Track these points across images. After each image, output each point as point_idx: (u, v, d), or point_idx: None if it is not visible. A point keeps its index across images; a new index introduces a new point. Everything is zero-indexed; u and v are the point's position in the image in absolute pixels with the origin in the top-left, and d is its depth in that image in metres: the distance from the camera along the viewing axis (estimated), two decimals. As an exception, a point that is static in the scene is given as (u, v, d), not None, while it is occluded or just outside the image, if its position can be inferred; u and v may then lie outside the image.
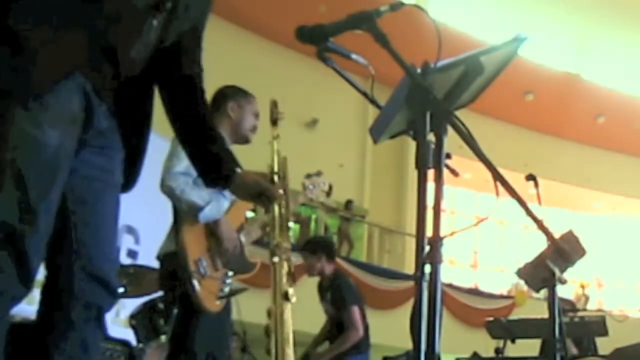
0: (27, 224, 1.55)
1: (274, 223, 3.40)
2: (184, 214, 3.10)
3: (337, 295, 5.20)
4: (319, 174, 3.69)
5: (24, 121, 1.56)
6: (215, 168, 2.01)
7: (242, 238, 3.28)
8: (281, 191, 3.20)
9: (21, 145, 1.56)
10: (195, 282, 3.00)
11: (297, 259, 3.89)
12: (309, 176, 3.66)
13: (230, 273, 3.18)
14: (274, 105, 3.29)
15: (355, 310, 5.17)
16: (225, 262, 3.15)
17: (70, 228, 1.72)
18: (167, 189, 3.06)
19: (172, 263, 3.07)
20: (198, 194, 3.04)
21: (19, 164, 1.55)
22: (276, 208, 3.32)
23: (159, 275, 3.26)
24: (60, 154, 1.61)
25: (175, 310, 3.14)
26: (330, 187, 3.77)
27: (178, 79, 1.97)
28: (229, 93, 3.39)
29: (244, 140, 3.38)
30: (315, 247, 5.31)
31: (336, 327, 5.23)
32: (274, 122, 3.26)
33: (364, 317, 5.29)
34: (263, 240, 3.59)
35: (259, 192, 2.04)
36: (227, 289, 3.13)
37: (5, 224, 1.53)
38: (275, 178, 3.09)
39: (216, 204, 3.10)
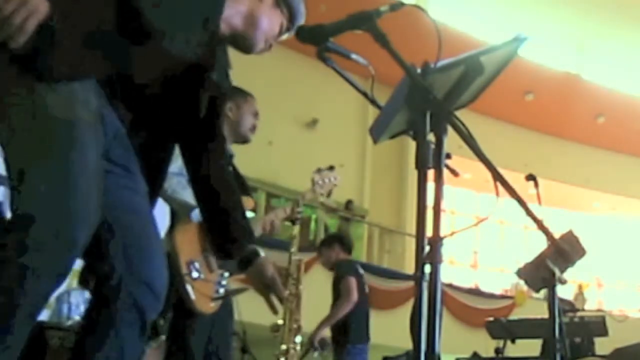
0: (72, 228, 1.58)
1: (284, 327, 3.48)
2: (179, 214, 3.10)
3: (337, 272, 5.40)
4: (331, 168, 3.68)
5: (58, 107, 1.59)
6: (236, 248, 2.04)
7: None
8: (293, 291, 3.39)
9: (58, 134, 1.58)
10: (188, 285, 2.98)
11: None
12: (319, 171, 3.65)
13: (227, 274, 3.15)
14: (296, 204, 3.40)
15: (350, 279, 5.30)
16: (221, 263, 3.13)
17: (114, 232, 1.73)
18: None
19: (168, 264, 3.05)
20: (190, 194, 3.04)
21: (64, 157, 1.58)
22: (288, 312, 3.46)
23: None
24: (95, 146, 1.65)
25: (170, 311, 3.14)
26: (330, 192, 3.78)
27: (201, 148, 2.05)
28: None
29: (243, 139, 3.38)
30: (329, 239, 5.84)
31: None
32: (293, 222, 3.37)
33: (362, 291, 5.40)
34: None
35: (273, 289, 2.03)
36: (222, 291, 3.10)
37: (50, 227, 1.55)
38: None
39: None
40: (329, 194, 3.78)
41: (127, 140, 1.82)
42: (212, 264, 3.10)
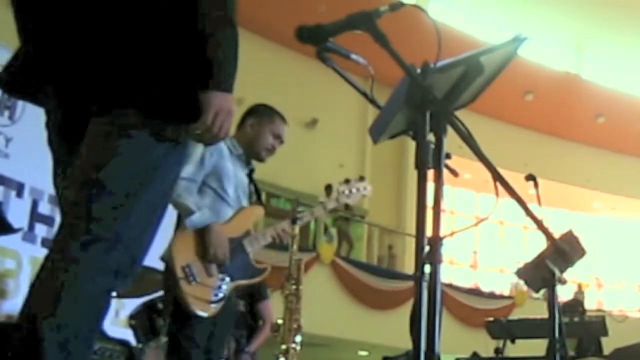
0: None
1: (284, 327, 3.50)
2: (182, 219, 3.11)
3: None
4: (362, 178, 3.70)
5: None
6: None
7: (247, 245, 3.24)
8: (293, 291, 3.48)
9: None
10: (183, 289, 2.98)
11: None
12: (347, 181, 3.69)
13: (228, 279, 3.15)
14: (296, 203, 3.48)
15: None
16: (222, 268, 3.12)
17: None
18: None
19: (165, 269, 3.08)
20: (195, 200, 3.03)
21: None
22: (288, 312, 3.52)
23: (163, 276, 3.26)
24: None
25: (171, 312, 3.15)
26: (330, 187, 3.80)
27: None
28: (253, 110, 3.41)
29: (256, 157, 3.37)
30: None
31: None
32: (294, 221, 3.48)
33: None
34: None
35: None
36: (221, 294, 3.10)
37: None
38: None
39: (209, 212, 3.07)
40: (328, 193, 3.82)
41: None
42: (212, 269, 3.09)
